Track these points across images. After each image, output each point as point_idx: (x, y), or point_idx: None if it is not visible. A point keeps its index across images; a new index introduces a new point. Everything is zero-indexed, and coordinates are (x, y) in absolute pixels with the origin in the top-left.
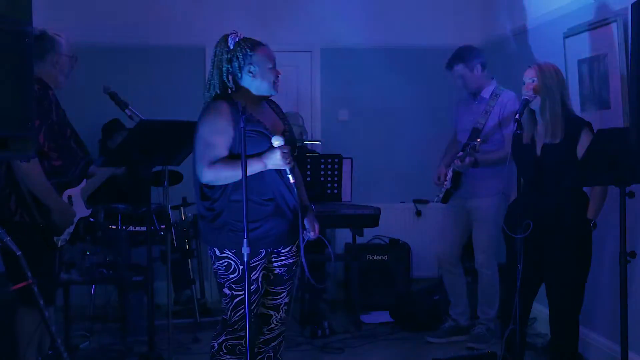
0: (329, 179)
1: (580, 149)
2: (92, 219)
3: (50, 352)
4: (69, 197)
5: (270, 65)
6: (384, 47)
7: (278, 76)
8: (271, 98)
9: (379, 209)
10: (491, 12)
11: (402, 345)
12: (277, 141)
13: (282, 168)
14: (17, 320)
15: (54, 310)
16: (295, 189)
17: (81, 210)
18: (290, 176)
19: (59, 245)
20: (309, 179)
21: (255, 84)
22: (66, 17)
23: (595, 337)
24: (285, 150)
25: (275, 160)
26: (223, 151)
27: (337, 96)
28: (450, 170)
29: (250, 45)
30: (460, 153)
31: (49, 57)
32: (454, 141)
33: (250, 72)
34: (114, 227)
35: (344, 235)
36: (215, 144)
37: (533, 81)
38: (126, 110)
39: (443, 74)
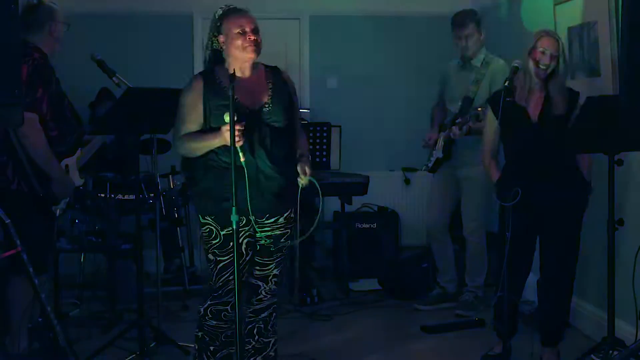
0: (317, 147)
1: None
2: (81, 187)
3: (40, 320)
4: (66, 166)
5: (238, 31)
6: (373, 15)
7: (250, 39)
8: (278, 68)
9: (367, 177)
10: None
11: (390, 312)
12: (227, 117)
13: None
14: (9, 289)
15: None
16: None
17: (75, 180)
18: (240, 154)
19: (57, 215)
20: None
21: (228, 52)
22: None
23: (583, 304)
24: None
25: (224, 138)
26: (192, 126)
27: (326, 64)
28: (442, 138)
29: (222, 14)
30: (459, 119)
31: (47, 26)
32: (441, 109)
33: (223, 42)
34: (102, 195)
35: (332, 204)
36: (184, 119)
37: (555, 53)
38: (113, 78)
39: (432, 42)
